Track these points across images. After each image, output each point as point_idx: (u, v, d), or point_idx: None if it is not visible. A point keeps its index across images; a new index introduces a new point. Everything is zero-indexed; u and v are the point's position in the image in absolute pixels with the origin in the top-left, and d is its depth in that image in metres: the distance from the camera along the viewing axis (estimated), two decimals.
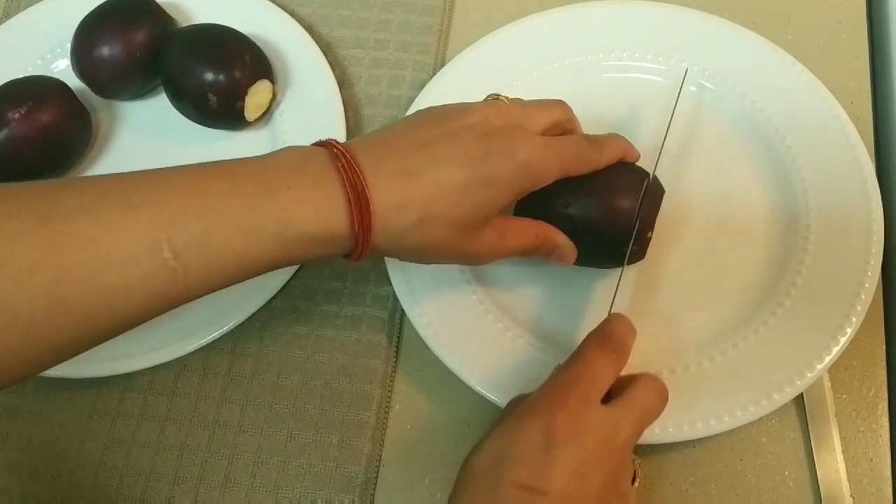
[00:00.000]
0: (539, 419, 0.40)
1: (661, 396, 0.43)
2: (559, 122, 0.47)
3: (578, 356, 0.43)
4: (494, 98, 0.47)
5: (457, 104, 0.45)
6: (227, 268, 0.39)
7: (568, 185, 0.46)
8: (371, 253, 0.42)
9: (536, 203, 0.46)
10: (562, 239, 0.47)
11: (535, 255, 0.48)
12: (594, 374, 0.42)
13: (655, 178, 0.50)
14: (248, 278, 0.40)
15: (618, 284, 0.49)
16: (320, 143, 0.43)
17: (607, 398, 0.42)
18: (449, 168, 0.41)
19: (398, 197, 0.41)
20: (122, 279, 0.36)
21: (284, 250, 0.40)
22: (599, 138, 0.48)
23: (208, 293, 0.39)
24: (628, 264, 0.49)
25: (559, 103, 0.48)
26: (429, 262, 0.47)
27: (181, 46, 0.59)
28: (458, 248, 0.44)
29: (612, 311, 0.46)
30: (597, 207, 0.47)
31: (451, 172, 0.41)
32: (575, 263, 0.49)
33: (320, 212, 0.40)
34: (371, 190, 0.40)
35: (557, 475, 0.38)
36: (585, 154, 0.46)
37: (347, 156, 0.41)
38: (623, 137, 0.49)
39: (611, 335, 0.44)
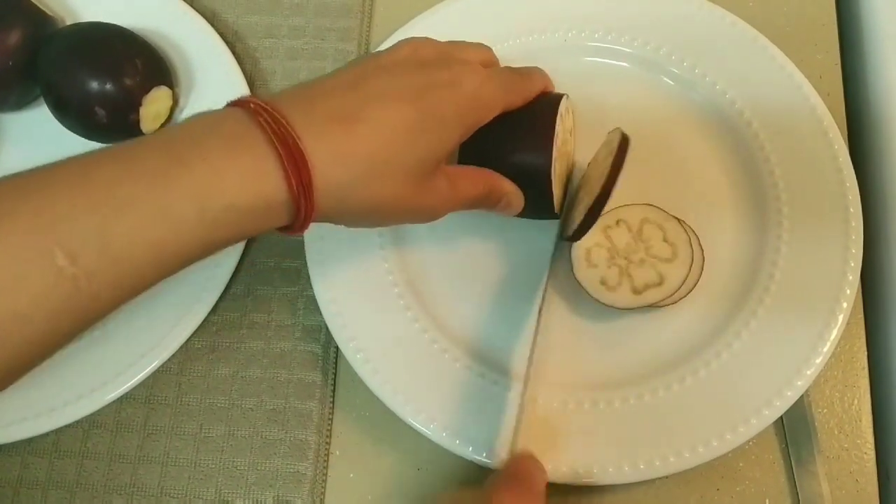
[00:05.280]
0: None
1: None
2: (486, 62, 0.45)
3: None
4: None
5: None
6: (142, 263, 0.33)
7: (506, 130, 0.43)
8: (316, 218, 0.36)
9: (478, 151, 0.44)
10: (508, 185, 0.45)
11: (483, 205, 0.44)
12: None
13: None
14: (173, 272, 0.34)
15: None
16: (234, 103, 0.36)
17: None
18: (391, 104, 0.37)
19: (339, 145, 0.35)
20: (13, 303, 0.30)
21: (212, 231, 0.34)
22: (521, 69, 0.47)
23: (126, 298, 0.33)
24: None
25: (483, 45, 0.46)
26: (380, 224, 0.43)
27: (61, 51, 0.51)
28: (412, 201, 0.39)
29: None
30: (544, 151, 0.44)
31: (396, 109, 0.37)
32: (520, 214, 0.46)
33: (247, 178, 0.34)
34: (305, 141, 0.34)
35: None
36: (521, 84, 0.45)
37: (269, 108, 0.35)
38: (537, 67, 0.48)
39: (516, 476, 0.39)
